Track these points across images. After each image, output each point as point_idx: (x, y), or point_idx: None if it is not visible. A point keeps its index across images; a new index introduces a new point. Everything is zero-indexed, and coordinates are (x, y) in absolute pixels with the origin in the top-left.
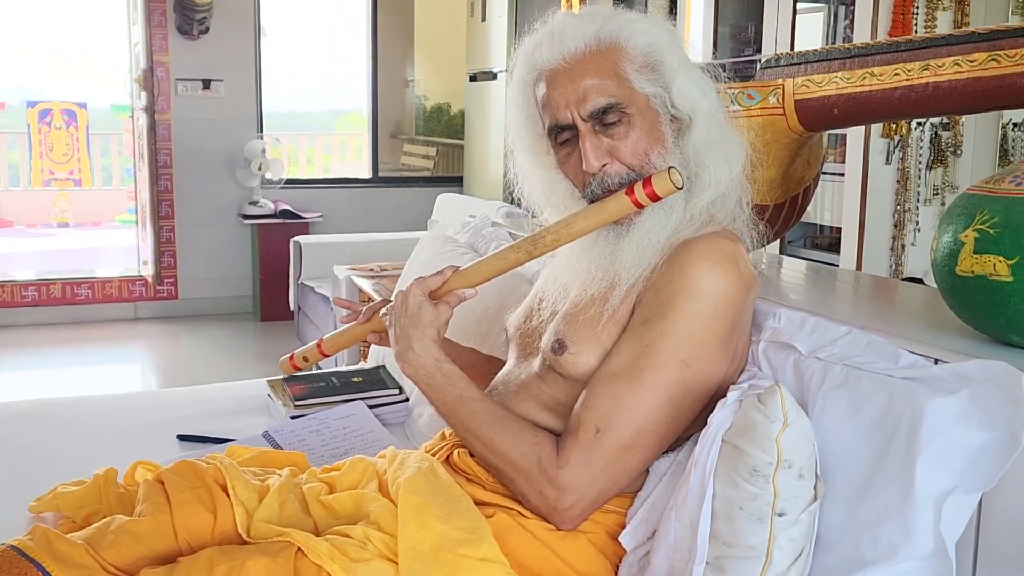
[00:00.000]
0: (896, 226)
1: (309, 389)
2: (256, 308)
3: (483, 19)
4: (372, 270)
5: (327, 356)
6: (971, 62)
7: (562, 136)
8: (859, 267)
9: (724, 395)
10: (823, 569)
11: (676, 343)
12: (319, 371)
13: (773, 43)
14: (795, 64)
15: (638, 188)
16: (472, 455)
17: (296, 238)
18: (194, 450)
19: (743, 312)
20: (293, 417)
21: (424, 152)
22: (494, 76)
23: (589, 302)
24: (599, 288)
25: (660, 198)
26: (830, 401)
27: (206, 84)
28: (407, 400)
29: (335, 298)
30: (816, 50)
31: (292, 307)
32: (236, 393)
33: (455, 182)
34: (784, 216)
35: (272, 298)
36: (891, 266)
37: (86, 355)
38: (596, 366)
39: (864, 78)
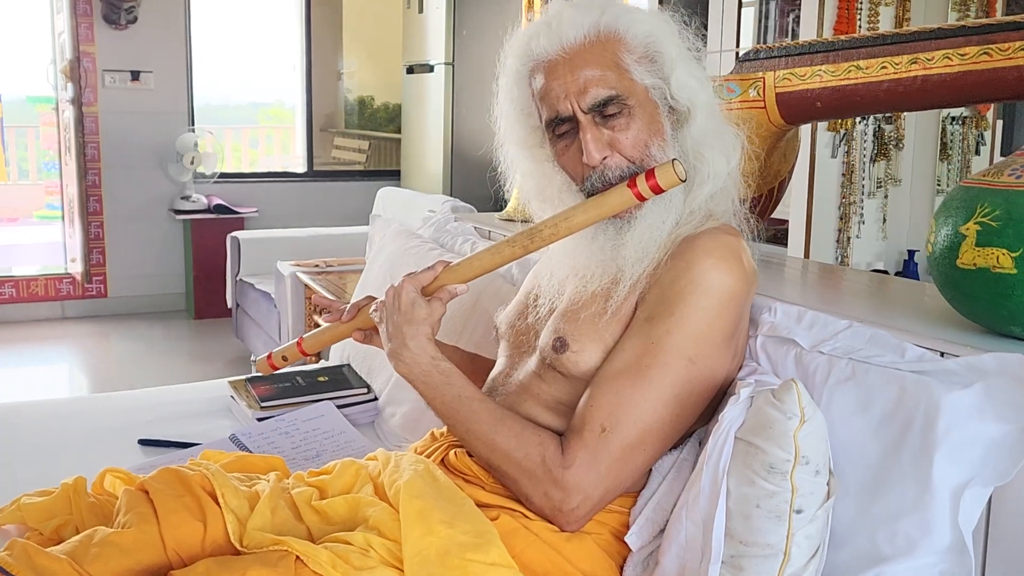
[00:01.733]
0: (842, 218)
1: (274, 390)
2: (190, 306)
3: (420, 11)
4: (317, 266)
5: (307, 355)
6: (962, 56)
7: (560, 128)
8: (807, 259)
9: (726, 391)
10: (837, 565)
11: (682, 340)
12: (284, 372)
13: (719, 38)
14: (776, 57)
15: (640, 180)
16: (471, 455)
17: (233, 234)
18: (159, 455)
19: (746, 307)
20: (260, 419)
21: (356, 145)
22: (431, 69)
23: (589, 299)
24: (600, 284)
25: (663, 190)
26: (837, 395)
27: (135, 76)
28: (376, 399)
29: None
30: (798, 43)
31: (230, 304)
32: (196, 395)
33: (392, 176)
34: (760, 209)
35: (206, 295)
36: (837, 258)
37: (11, 356)
38: (598, 364)
39: (850, 71)
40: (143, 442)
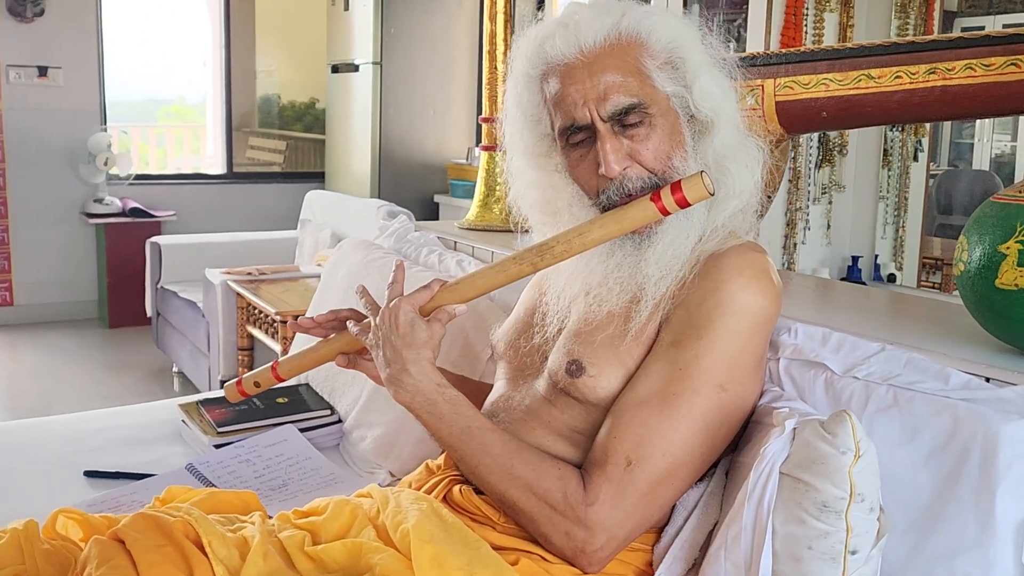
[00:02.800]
0: (788, 224)
1: (231, 414)
2: (103, 314)
3: (346, 8)
4: (249, 274)
5: (283, 381)
6: (987, 66)
7: (575, 137)
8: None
9: (749, 419)
10: None
11: (713, 366)
12: None
13: None
14: (775, 64)
15: (666, 194)
16: (478, 492)
17: (153, 239)
18: (109, 488)
19: (772, 329)
20: (217, 446)
21: (273, 146)
22: (356, 68)
23: (606, 319)
24: (618, 304)
25: (690, 204)
26: (878, 425)
27: (42, 71)
28: (340, 422)
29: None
30: (799, 50)
31: (150, 313)
32: (141, 419)
33: (316, 178)
34: None
35: (122, 303)
36: (784, 263)
37: None
38: (618, 390)
39: (859, 80)
40: (90, 474)
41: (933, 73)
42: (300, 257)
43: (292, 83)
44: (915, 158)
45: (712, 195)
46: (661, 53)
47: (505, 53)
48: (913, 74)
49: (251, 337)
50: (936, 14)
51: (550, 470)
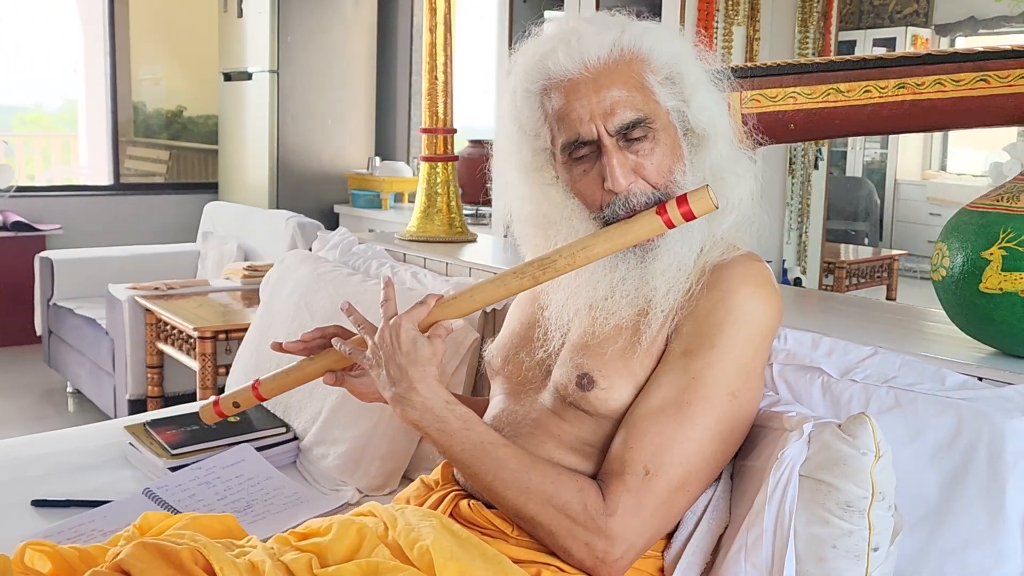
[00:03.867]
0: None
1: (183, 435)
2: None
3: (239, 15)
4: (157, 288)
5: (264, 400)
6: (956, 81)
7: (579, 152)
8: None
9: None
10: None
11: (724, 374)
12: (185, 413)
13: None
14: (741, 77)
15: (671, 207)
16: (488, 506)
17: (44, 254)
18: (63, 518)
19: (775, 336)
20: (173, 469)
21: (155, 156)
22: (249, 76)
23: (614, 332)
24: (625, 316)
25: (695, 217)
26: (881, 425)
27: None
28: (295, 439)
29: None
30: (766, 64)
31: (40, 331)
32: (81, 443)
33: (208, 188)
34: None
35: (5, 322)
36: None
37: None
38: (629, 402)
39: (828, 94)
40: (38, 503)
41: (903, 88)
42: (204, 271)
43: (176, 91)
44: (816, 166)
45: (717, 208)
46: (662, 68)
47: (445, 64)
48: (883, 88)
49: (161, 354)
50: (833, 29)
51: (568, 482)
